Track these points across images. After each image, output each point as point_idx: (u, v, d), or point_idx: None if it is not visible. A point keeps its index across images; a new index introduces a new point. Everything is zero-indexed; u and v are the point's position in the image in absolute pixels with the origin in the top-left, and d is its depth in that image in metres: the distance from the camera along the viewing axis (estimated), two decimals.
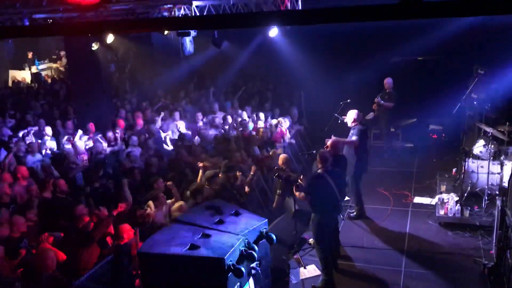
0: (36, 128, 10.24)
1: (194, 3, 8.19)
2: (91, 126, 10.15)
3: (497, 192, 8.02)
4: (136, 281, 5.35)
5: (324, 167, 6.59)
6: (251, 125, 10.76)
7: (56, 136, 9.97)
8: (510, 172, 7.70)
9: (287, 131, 10.42)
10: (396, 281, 6.74)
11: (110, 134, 9.79)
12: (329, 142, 7.57)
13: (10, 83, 17.56)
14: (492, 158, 8.32)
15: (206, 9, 8.42)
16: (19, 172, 7.61)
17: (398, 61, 12.52)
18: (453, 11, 2.71)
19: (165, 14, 8.48)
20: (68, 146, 9.06)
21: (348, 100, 9.62)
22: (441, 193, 8.71)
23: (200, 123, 10.94)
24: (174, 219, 6.01)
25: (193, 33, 8.40)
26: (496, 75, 9.97)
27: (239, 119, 10.94)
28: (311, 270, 7.11)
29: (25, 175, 7.63)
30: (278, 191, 8.09)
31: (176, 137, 10.23)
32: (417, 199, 9.15)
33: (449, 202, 8.15)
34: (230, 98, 12.96)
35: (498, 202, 6.89)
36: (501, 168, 8.17)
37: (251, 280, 4.95)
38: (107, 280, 5.25)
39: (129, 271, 5.37)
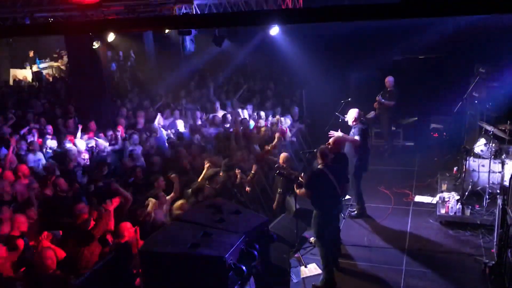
0: (37, 126, 10.24)
1: (195, 2, 8.19)
2: (92, 124, 10.16)
3: (498, 191, 8.00)
4: (137, 279, 5.35)
5: (324, 163, 6.62)
6: (252, 123, 10.76)
7: (57, 134, 9.97)
8: (511, 171, 7.71)
9: (288, 129, 10.41)
10: (397, 279, 6.75)
11: (111, 133, 9.79)
12: (332, 139, 7.56)
13: (11, 82, 17.57)
14: (493, 156, 8.31)
15: (207, 7, 8.42)
16: (20, 170, 7.62)
17: (399, 60, 12.51)
18: (454, 10, 2.71)
19: (166, 12, 8.48)
20: (69, 145, 9.05)
21: (349, 99, 9.63)
22: (442, 192, 8.71)
23: (199, 122, 10.92)
24: (175, 217, 6.01)
25: (193, 31, 8.40)
26: (497, 73, 9.96)
27: (240, 118, 10.92)
28: (312, 269, 7.11)
29: (26, 173, 7.64)
30: (279, 190, 8.09)
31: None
32: (418, 198, 9.15)
33: (450, 200, 8.15)
34: (231, 96, 12.95)
35: (499, 201, 6.89)
36: (502, 167, 8.16)
37: (251, 279, 4.95)
38: (108, 278, 5.25)
39: (130, 269, 5.37)
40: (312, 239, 7.70)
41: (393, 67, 12.07)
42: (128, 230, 5.86)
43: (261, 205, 8.32)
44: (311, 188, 6.65)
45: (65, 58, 17.36)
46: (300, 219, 7.58)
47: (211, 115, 11.34)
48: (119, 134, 9.84)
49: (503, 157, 8.37)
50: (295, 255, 7.40)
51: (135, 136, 9.50)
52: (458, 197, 8.25)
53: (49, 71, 18.51)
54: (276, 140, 9.21)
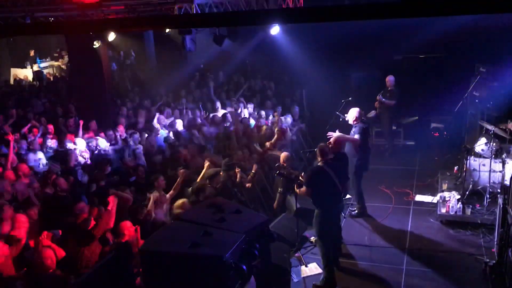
0: (37, 124, 10.25)
1: (195, 1, 8.18)
2: (93, 124, 10.16)
3: (498, 190, 7.99)
4: (137, 279, 5.35)
5: (324, 160, 6.63)
6: (252, 122, 10.76)
7: (58, 134, 9.97)
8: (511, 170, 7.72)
9: (288, 129, 10.41)
10: (398, 279, 6.75)
11: (111, 132, 9.79)
12: (332, 139, 7.56)
13: (11, 81, 17.58)
14: (493, 156, 8.31)
15: (207, 7, 8.41)
16: (20, 170, 7.62)
17: (400, 59, 12.51)
18: (454, 10, 2.71)
19: (166, 12, 8.47)
20: (70, 144, 9.05)
21: (350, 98, 9.63)
22: (442, 191, 8.71)
23: (199, 120, 10.91)
24: (176, 216, 6.02)
25: (194, 31, 8.39)
26: (498, 73, 9.95)
27: (240, 118, 10.92)
28: (312, 268, 7.11)
29: (26, 173, 7.64)
30: (280, 189, 8.10)
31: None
32: (419, 197, 9.15)
33: (450, 200, 8.15)
34: (232, 96, 12.95)
35: (500, 200, 6.89)
36: (503, 166, 8.15)
37: (252, 279, 4.95)
38: (108, 278, 5.25)
39: (130, 269, 5.37)
40: (312, 238, 7.71)
41: (393, 66, 12.07)
42: (129, 229, 5.86)
43: (262, 204, 8.33)
44: (311, 186, 6.66)
45: (66, 58, 17.37)
46: (300, 219, 7.58)
47: (211, 115, 11.35)
48: (119, 133, 9.84)
49: (503, 156, 8.37)
50: (296, 255, 7.40)
51: (136, 136, 9.51)
52: (459, 197, 8.25)
53: (50, 70, 18.52)
54: (276, 136, 9.22)
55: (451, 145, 10.97)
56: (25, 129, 9.89)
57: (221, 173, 7.74)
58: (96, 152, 9.15)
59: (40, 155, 8.74)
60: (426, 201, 8.98)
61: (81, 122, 9.86)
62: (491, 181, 8.23)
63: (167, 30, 12.06)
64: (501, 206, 6.74)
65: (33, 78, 17.66)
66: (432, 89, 11.65)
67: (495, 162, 8.27)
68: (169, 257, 4.59)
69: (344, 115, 8.76)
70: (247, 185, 7.93)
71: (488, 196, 8.21)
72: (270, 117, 11.01)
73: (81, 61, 10.94)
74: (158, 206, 6.80)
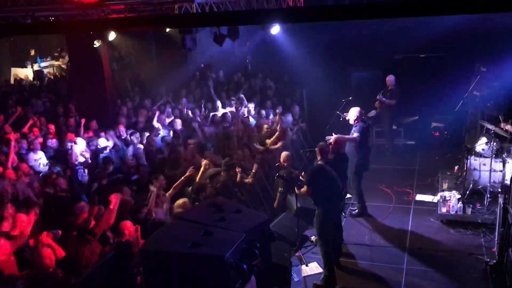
0: (38, 122, 10.27)
1: (195, 0, 8.17)
2: (93, 123, 10.16)
3: (499, 190, 7.99)
4: (138, 278, 5.35)
5: (324, 159, 6.63)
6: (252, 121, 10.76)
7: (58, 133, 9.98)
8: None
9: (288, 128, 10.40)
10: (398, 278, 6.75)
11: (111, 131, 9.79)
12: (332, 139, 7.55)
13: (12, 81, 17.57)
14: (494, 155, 8.31)
15: (208, 6, 8.40)
16: (21, 169, 7.63)
17: (400, 59, 12.49)
18: (454, 10, 2.71)
19: (167, 11, 8.46)
20: (70, 144, 9.05)
21: (350, 98, 9.62)
22: (443, 190, 8.70)
23: (199, 119, 10.91)
24: (176, 216, 6.02)
25: (194, 30, 8.38)
26: (498, 72, 9.95)
27: (242, 116, 10.92)
28: (312, 268, 7.11)
29: (26, 172, 7.65)
30: (280, 189, 8.10)
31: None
32: (419, 197, 9.14)
33: (451, 199, 8.15)
34: (233, 95, 12.94)
35: (500, 200, 6.88)
36: (503, 166, 8.15)
37: (252, 278, 4.95)
38: (109, 278, 5.25)
39: (131, 268, 5.37)
40: (313, 238, 7.71)
41: (394, 66, 12.06)
42: (129, 229, 5.86)
43: (262, 204, 8.33)
44: (312, 185, 6.66)
45: (67, 57, 17.35)
46: (301, 218, 7.58)
47: (211, 114, 11.35)
48: (120, 133, 9.85)
49: (504, 155, 8.36)
50: (296, 254, 7.40)
51: (136, 135, 9.51)
52: (459, 196, 8.24)
53: (50, 70, 18.50)
54: (277, 134, 9.23)
55: (452, 145, 10.98)
56: (25, 129, 9.89)
57: (222, 173, 7.75)
58: (97, 151, 9.15)
59: (41, 154, 8.75)
60: (426, 201, 8.98)
61: (83, 121, 9.85)
62: (492, 180, 8.22)
63: (167, 30, 12.04)
64: (502, 205, 6.74)
65: (33, 78, 17.65)
66: (432, 89, 11.64)
67: (496, 162, 8.27)
68: (169, 256, 4.59)
69: (344, 115, 8.76)
70: (248, 180, 7.92)
71: (488, 195, 8.21)
72: (271, 117, 11.01)
73: (81, 60, 10.94)
74: (158, 205, 6.79)
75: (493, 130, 8.44)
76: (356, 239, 7.81)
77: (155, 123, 10.38)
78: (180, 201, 6.62)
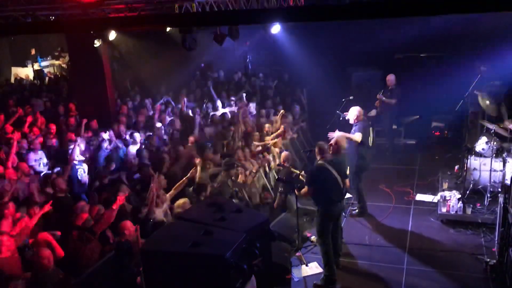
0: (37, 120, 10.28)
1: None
2: (94, 123, 10.16)
3: (499, 190, 7.99)
4: (138, 278, 5.36)
5: (324, 157, 6.63)
6: (253, 122, 10.76)
7: (59, 133, 9.98)
8: None
9: (289, 128, 10.40)
10: (398, 278, 6.75)
11: (112, 131, 9.79)
12: (333, 140, 7.53)
13: (12, 80, 17.57)
14: (494, 155, 8.31)
15: (208, 5, 8.39)
16: (20, 169, 7.63)
17: (401, 58, 12.49)
18: (455, 9, 2.71)
19: (167, 10, 8.46)
20: (71, 143, 9.06)
21: (351, 97, 9.62)
22: (443, 190, 8.70)
23: (198, 119, 10.91)
24: (177, 216, 6.02)
25: (194, 29, 8.37)
26: (498, 72, 9.94)
27: (241, 116, 10.91)
28: (313, 268, 7.12)
29: (26, 172, 7.65)
30: (280, 189, 8.10)
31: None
32: (419, 197, 9.14)
33: (451, 199, 8.15)
34: (233, 95, 12.94)
35: (501, 200, 6.88)
36: (504, 165, 8.15)
37: (253, 278, 4.95)
38: (109, 277, 5.26)
39: (131, 268, 5.38)
40: (313, 238, 7.71)
41: (394, 65, 12.05)
42: (129, 228, 5.86)
43: (262, 203, 8.32)
44: (313, 184, 6.65)
45: (67, 57, 17.35)
46: (301, 218, 7.58)
47: (211, 113, 11.34)
48: (120, 132, 9.84)
49: (504, 155, 8.36)
50: (296, 254, 7.40)
51: (137, 135, 9.51)
52: (459, 196, 8.24)
53: (51, 69, 18.50)
54: (277, 132, 9.24)
55: (452, 144, 10.98)
56: (25, 128, 9.88)
57: (222, 173, 7.75)
58: (97, 150, 9.15)
59: (41, 154, 8.74)
60: (426, 201, 8.98)
61: (84, 121, 9.85)
62: (492, 180, 8.22)
63: (168, 29, 12.04)
64: (502, 205, 6.74)
65: (34, 77, 17.65)
66: (432, 88, 11.63)
67: (496, 161, 8.27)
68: (169, 256, 4.60)
69: (344, 114, 8.75)
70: (248, 180, 7.92)
71: (488, 195, 8.21)
72: (271, 116, 11.00)
73: (81, 60, 10.93)
74: (158, 205, 6.79)
75: (493, 130, 8.44)
76: (356, 239, 7.81)
77: (157, 123, 10.40)
78: (180, 201, 6.62)
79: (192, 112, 11.31)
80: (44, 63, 18.32)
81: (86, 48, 10.32)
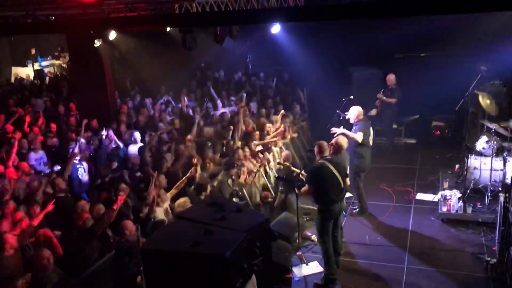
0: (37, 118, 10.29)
1: None
2: (94, 122, 10.16)
3: (499, 189, 8.00)
4: (138, 278, 5.36)
5: (324, 156, 6.63)
6: (253, 121, 10.76)
7: (59, 132, 9.98)
8: None
9: (289, 128, 10.40)
10: (399, 277, 6.75)
11: (112, 131, 9.79)
12: (333, 140, 7.53)
13: (12, 80, 17.58)
14: (495, 154, 8.31)
15: (208, 5, 8.40)
16: (21, 168, 7.63)
17: (401, 58, 12.49)
18: (454, 9, 2.71)
19: (167, 10, 8.46)
20: (72, 143, 9.06)
21: (351, 97, 9.62)
22: (443, 189, 8.70)
23: (198, 118, 10.91)
24: (177, 215, 6.02)
25: (195, 29, 8.38)
26: (498, 72, 9.94)
27: (241, 116, 10.91)
28: (313, 267, 7.12)
29: (26, 171, 7.65)
30: (280, 188, 8.10)
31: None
32: (420, 196, 9.15)
33: (451, 198, 8.15)
34: (233, 95, 12.95)
35: (501, 199, 6.89)
36: (504, 165, 8.16)
37: (253, 277, 4.96)
38: (109, 277, 5.26)
39: (131, 267, 5.38)
40: (313, 237, 7.71)
41: (394, 64, 12.05)
42: (129, 228, 5.86)
43: (262, 203, 8.32)
44: (313, 183, 6.66)
45: (67, 56, 17.35)
46: (301, 217, 7.57)
47: (211, 113, 11.34)
48: (120, 132, 9.84)
49: (504, 154, 8.37)
50: (297, 253, 7.40)
51: (137, 134, 9.51)
52: (460, 195, 8.24)
53: (51, 69, 18.51)
54: (278, 131, 9.24)
55: (452, 144, 10.99)
56: (25, 127, 9.89)
57: (222, 173, 7.75)
58: (97, 150, 9.15)
59: (41, 154, 8.75)
60: (427, 200, 8.99)
61: (85, 121, 9.85)
62: (492, 179, 8.22)
63: (168, 29, 12.05)
64: (502, 204, 6.74)
65: (34, 77, 17.65)
66: (433, 88, 11.63)
67: (496, 161, 8.27)
68: (170, 255, 4.59)
69: (344, 114, 8.75)
70: (248, 180, 7.93)
71: (489, 194, 8.21)
72: (272, 116, 11.00)
73: (82, 60, 10.93)
74: (159, 205, 6.79)
75: (494, 129, 8.44)
76: (356, 238, 7.82)
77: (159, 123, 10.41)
78: (181, 200, 6.62)
79: (193, 112, 11.32)
80: (44, 63, 18.33)
81: (86, 48, 10.32)
